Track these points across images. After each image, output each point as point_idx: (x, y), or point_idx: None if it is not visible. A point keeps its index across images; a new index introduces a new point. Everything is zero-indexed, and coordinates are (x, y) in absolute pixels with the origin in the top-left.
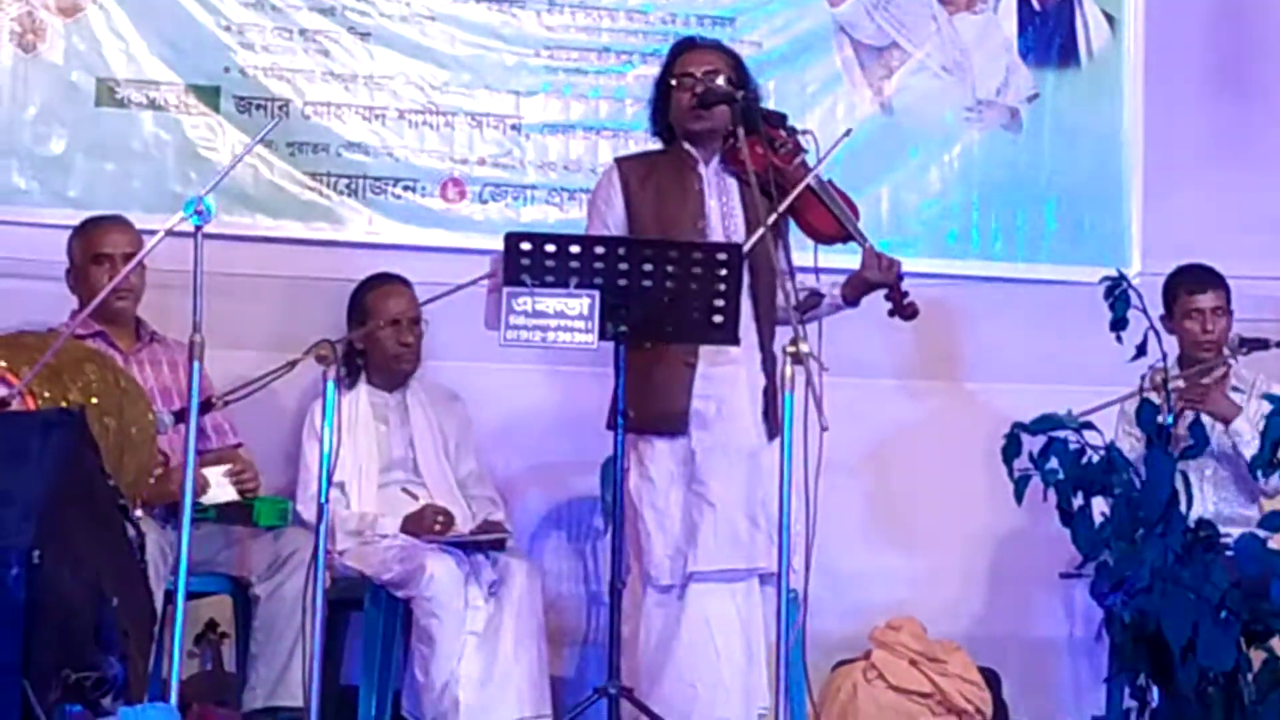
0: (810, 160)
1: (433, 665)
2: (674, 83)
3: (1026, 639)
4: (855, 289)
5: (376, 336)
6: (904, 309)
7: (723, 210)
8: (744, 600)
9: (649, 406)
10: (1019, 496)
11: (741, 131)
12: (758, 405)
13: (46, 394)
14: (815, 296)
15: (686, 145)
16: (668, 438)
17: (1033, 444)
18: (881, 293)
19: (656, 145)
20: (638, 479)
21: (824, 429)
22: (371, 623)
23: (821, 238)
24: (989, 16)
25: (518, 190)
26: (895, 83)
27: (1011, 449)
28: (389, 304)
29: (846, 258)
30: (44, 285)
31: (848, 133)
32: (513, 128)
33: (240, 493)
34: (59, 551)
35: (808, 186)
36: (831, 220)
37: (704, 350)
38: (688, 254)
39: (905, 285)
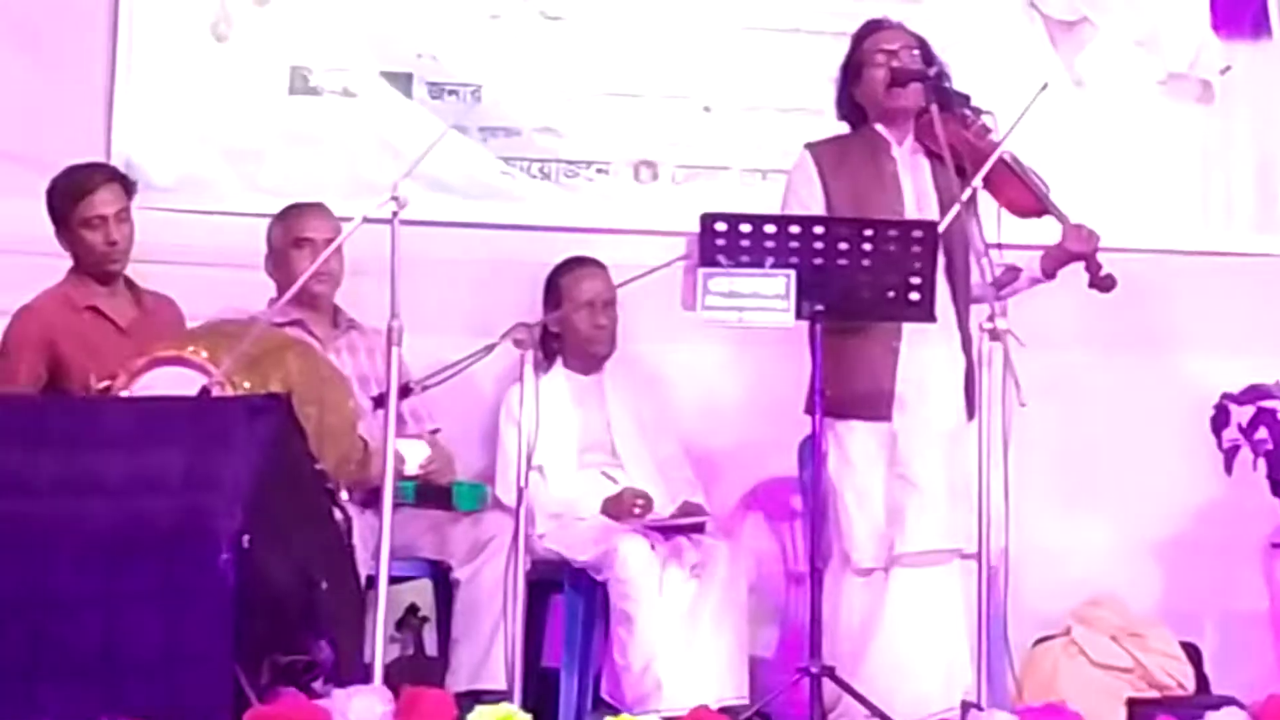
0: (998, 135)
1: (631, 647)
2: (865, 62)
3: (1228, 612)
4: (1055, 261)
5: (571, 319)
6: (1102, 281)
7: (917, 191)
8: (946, 580)
9: (850, 389)
10: (1229, 467)
11: (935, 108)
12: (958, 385)
13: (247, 383)
14: (1012, 272)
15: (878, 126)
16: (870, 420)
17: (1240, 415)
18: (1078, 266)
19: (844, 128)
20: (838, 461)
21: (1022, 405)
22: (571, 605)
23: (1020, 212)
24: None
25: (710, 171)
26: (1086, 57)
27: (1220, 420)
28: (583, 286)
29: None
30: (240, 274)
31: (1044, 86)
32: (704, 108)
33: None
34: (268, 536)
35: (1002, 162)
36: (1029, 195)
37: (905, 332)
38: (883, 232)
39: (1101, 258)
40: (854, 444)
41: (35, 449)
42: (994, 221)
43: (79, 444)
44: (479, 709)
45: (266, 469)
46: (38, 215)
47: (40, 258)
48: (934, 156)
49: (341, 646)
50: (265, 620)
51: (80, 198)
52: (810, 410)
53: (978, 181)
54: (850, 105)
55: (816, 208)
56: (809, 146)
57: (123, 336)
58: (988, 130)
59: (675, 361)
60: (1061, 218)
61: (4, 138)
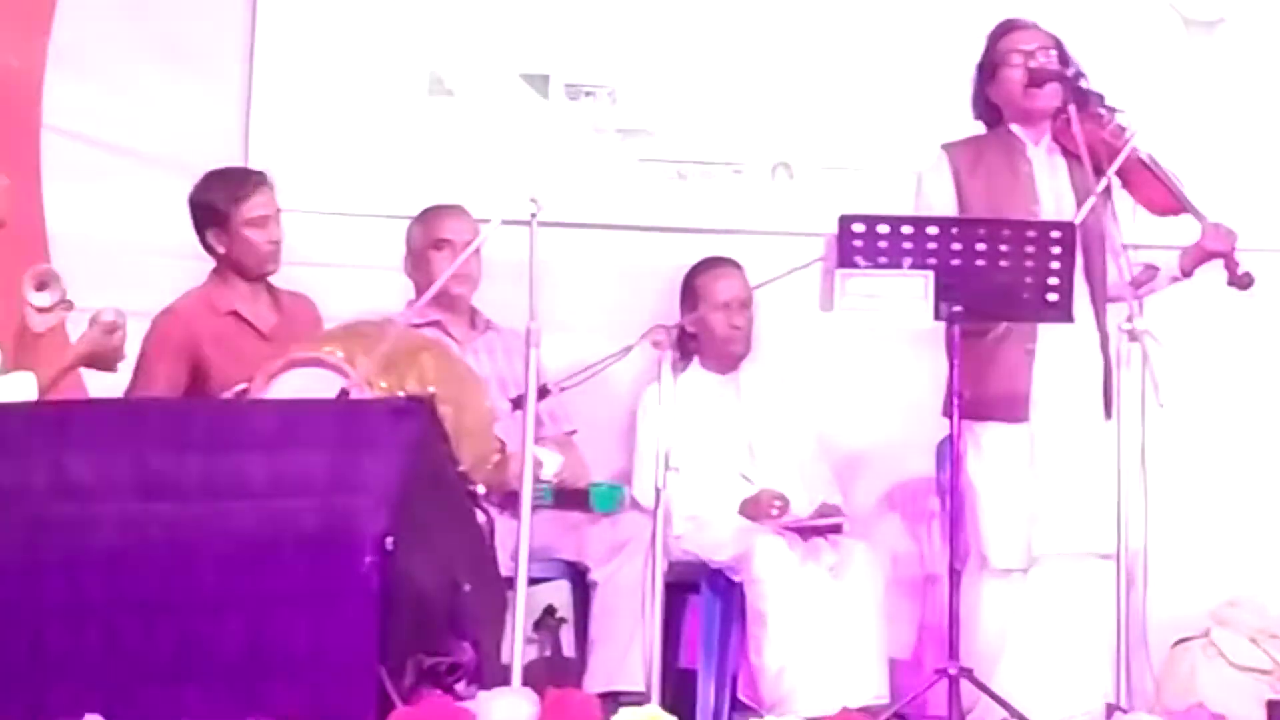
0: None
1: (768, 648)
2: (1001, 62)
3: None
4: (1193, 260)
5: (708, 320)
6: (1240, 279)
7: (1054, 191)
8: (1084, 582)
9: (988, 392)
10: None
11: (1073, 108)
12: (1095, 385)
13: (384, 384)
14: (1150, 271)
15: (1014, 127)
16: (1007, 422)
17: None
18: (1217, 264)
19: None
20: (976, 463)
21: (1161, 405)
22: (709, 606)
23: (1158, 210)
24: None
25: (848, 171)
26: (1223, 57)
27: None
28: (719, 287)
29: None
30: (378, 276)
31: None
32: (842, 108)
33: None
34: (411, 538)
35: (1139, 160)
36: (1166, 193)
37: (1042, 334)
38: (1021, 232)
39: (1246, 256)
40: (992, 445)
41: (180, 452)
42: (1131, 220)
43: (223, 447)
44: (623, 710)
45: (410, 471)
46: (177, 219)
47: (179, 261)
48: (1071, 157)
49: (485, 648)
50: (409, 622)
51: (244, 198)
52: (948, 412)
53: (1111, 173)
54: (986, 105)
55: (948, 210)
56: (945, 148)
57: (263, 341)
58: (1123, 130)
59: (812, 362)
60: (1199, 216)
61: (144, 143)
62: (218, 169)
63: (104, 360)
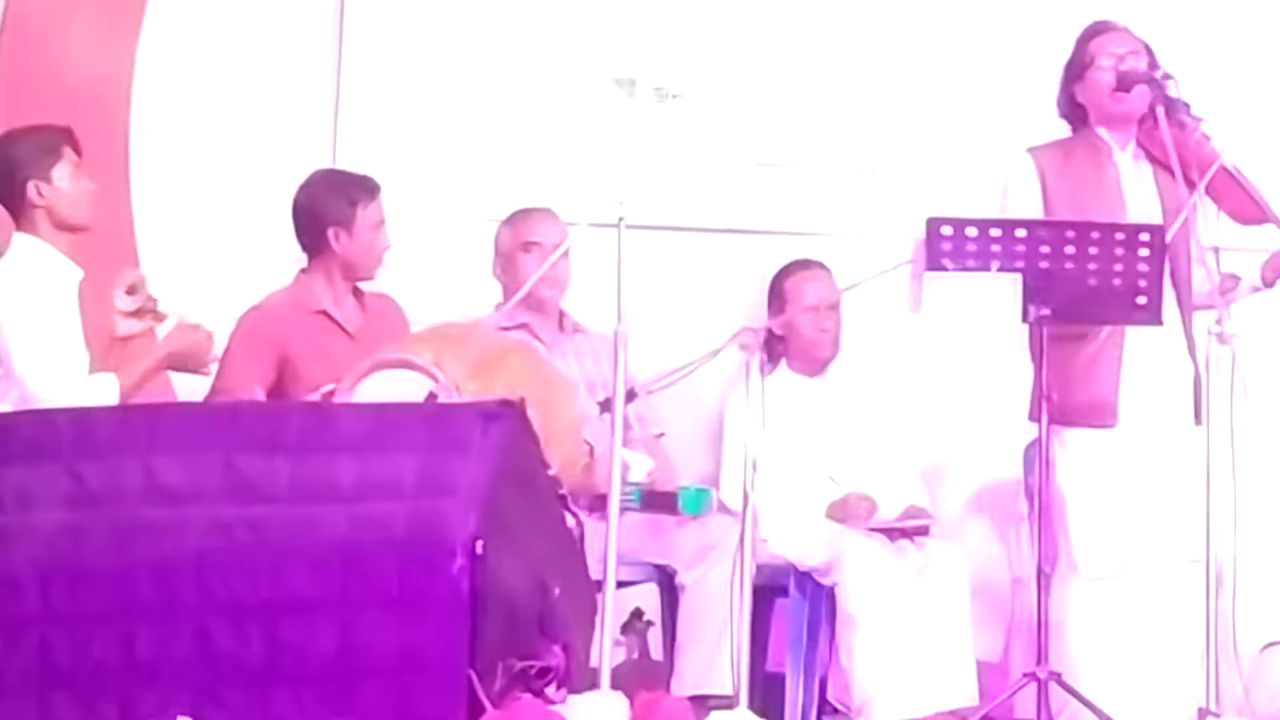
0: (1215, 141)
1: (857, 651)
2: (1090, 64)
3: None
4: (1275, 270)
5: (796, 323)
6: None
7: (1140, 196)
8: (1174, 587)
9: (1076, 397)
10: None
11: (1162, 113)
12: (1184, 390)
13: (472, 386)
14: (1232, 279)
15: (1100, 130)
16: (1096, 427)
17: None
18: None
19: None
20: (1064, 468)
21: (1250, 410)
22: (797, 609)
23: (1241, 219)
24: None
25: (935, 174)
26: None
27: None
28: (807, 289)
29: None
30: (465, 278)
31: None
32: (929, 111)
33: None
34: (502, 542)
35: (1225, 170)
36: (1251, 203)
37: (1129, 339)
38: (1110, 234)
39: None
40: (1080, 451)
41: (270, 455)
42: (1215, 227)
43: (313, 449)
44: (712, 714)
45: (500, 474)
46: (264, 223)
47: (266, 264)
48: (1156, 163)
49: (575, 652)
50: (499, 625)
51: (369, 201)
52: (1035, 416)
53: (1204, 181)
54: (1072, 105)
55: (1034, 214)
56: (1030, 151)
57: (351, 342)
58: (1208, 138)
59: (899, 364)
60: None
61: (232, 148)
62: (330, 170)
63: (191, 360)
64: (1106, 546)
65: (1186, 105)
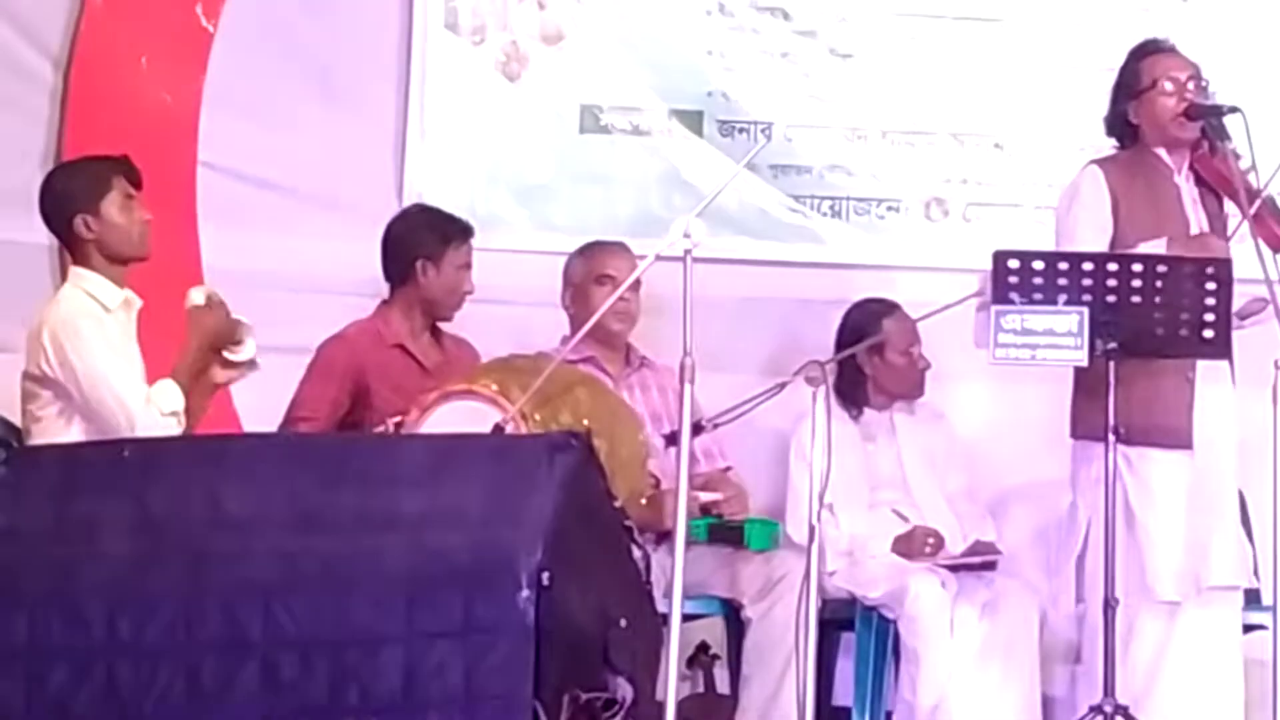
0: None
1: (921, 686)
2: (1152, 87)
3: None
4: None
5: (891, 361)
6: None
7: (1198, 221)
8: (1233, 615)
9: (1149, 420)
10: None
11: (1222, 144)
12: (1233, 414)
13: (538, 416)
14: (1259, 302)
15: (1160, 151)
16: (1171, 450)
17: None
18: None
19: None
20: (1138, 492)
21: None
22: (862, 643)
23: (1275, 246)
24: None
25: (1002, 208)
26: None
27: None
28: (904, 330)
29: None
30: (532, 311)
31: None
32: (996, 145)
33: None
34: (567, 573)
35: (1267, 198)
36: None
37: (1200, 365)
38: (1177, 268)
39: None
40: (1153, 473)
41: (334, 487)
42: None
43: (377, 481)
44: None
45: (567, 506)
46: (334, 256)
47: (332, 297)
48: (1203, 185)
49: (640, 684)
50: (565, 657)
51: (462, 242)
52: (1078, 434)
53: (1253, 209)
54: (1124, 124)
55: (1106, 224)
56: (1097, 163)
57: (426, 376)
58: (1238, 158)
59: (965, 398)
60: None
61: (300, 180)
62: (428, 206)
63: (222, 338)
64: (1183, 572)
65: (1227, 132)
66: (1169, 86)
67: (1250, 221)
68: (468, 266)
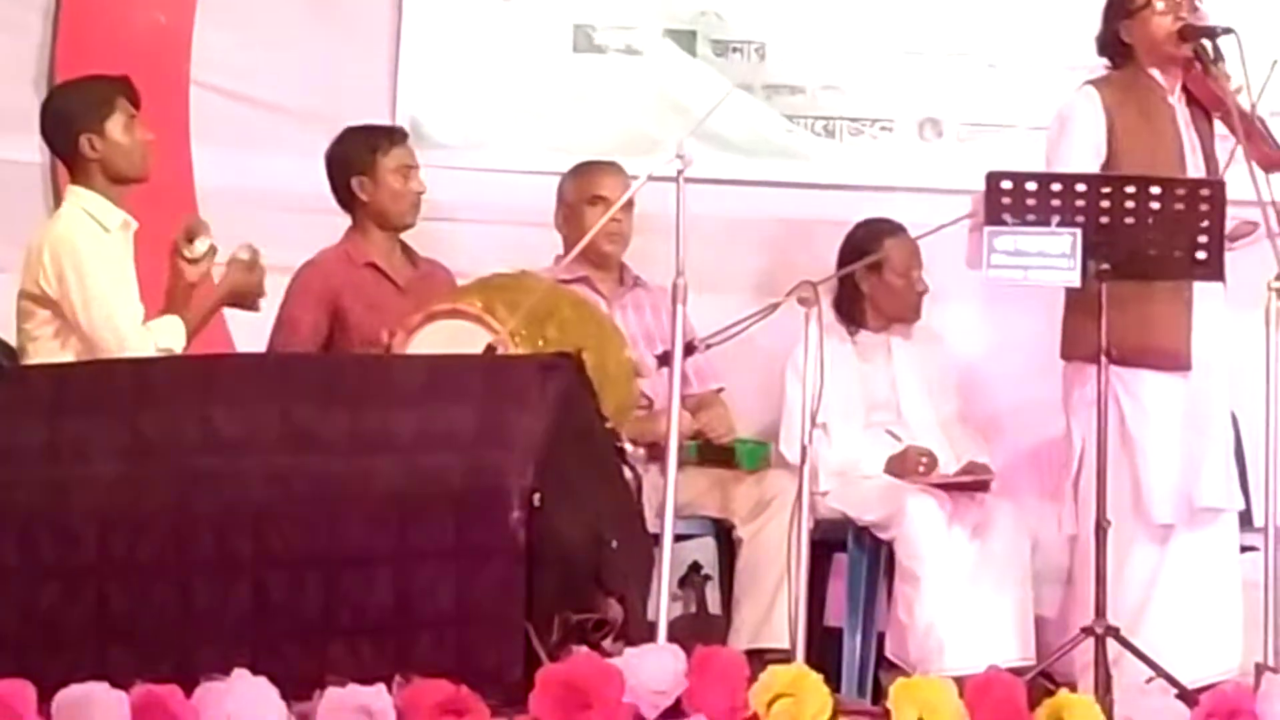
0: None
1: (916, 606)
2: (1145, 6)
3: None
4: None
5: (890, 283)
6: None
7: (1191, 140)
8: (1227, 538)
9: (1146, 342)
10: None
11: (1216, 64)
12: (1226, 337)
13: (523, 331)
14: (1249, 225)
15: (1153, 72)
16: (1169, 373)
17: None
18: None
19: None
20: (1134, 414)
21: None
22: (855, 564)
23: (1266, 166)
24: None
25: (996, 129)
26: None
27: None
28: (905, 252)
29: None
30: (524, 231)
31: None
32: (989, 65)
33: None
34: (559, 494)
35: (1258, 118)
36: (1275, 151)
37: (1196, 287)
38: (1171, 190)
39: None
40: (1149, 395)
41: (327, 407)
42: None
43: (370, 401)
44: (771, 669)
45: (557, 427)
46: (318, 171)
47: (323, 216)
48: (1196, 106)
49: (630, 605)
50: (556, 578)
51: (388, 149)
52: (1069, 355)
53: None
54: (1117, 43)
55: (1100, 145)
56: (1093, 84)
57: (400, 294)
58: (1229, 79)
59: (957, 320)
60: None
61: (294, 99)
62: (356, 124)
63: (247, 298)
64: (1176, 494)
65: (1220, 53)
66: (1162, 5)
67: (1243, 142)
68: (406, 169)
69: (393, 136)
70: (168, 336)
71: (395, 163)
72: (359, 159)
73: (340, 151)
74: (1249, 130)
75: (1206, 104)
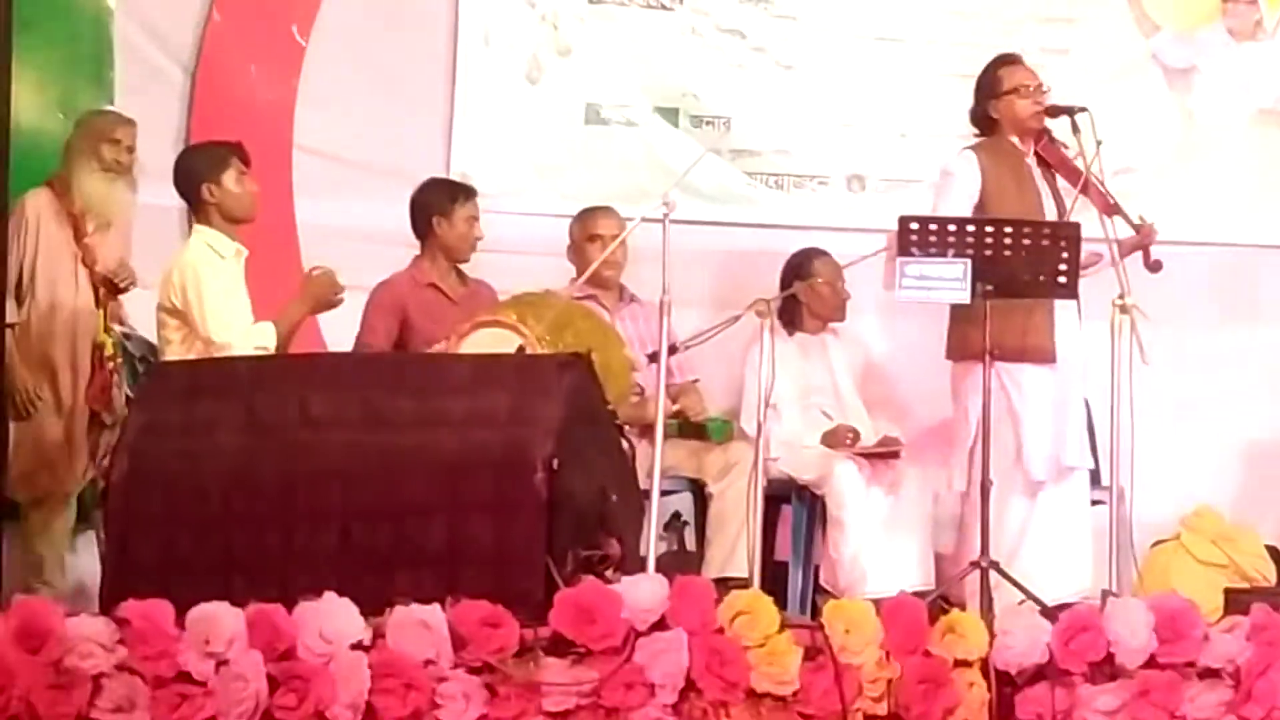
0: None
1: (843, 545)
2: (1013, 90)
3: None
4: (1127, 249)
5: (818, 291)
6: (1153, 265)
7: (1043, 193)
8: (1081, 491)
9: (1026, 342)
10: None
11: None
12: (1084, 341)
13: (548, 337)
14: (1095, 256)
15: (1013, 139)
16: (1041, 364)
17: None
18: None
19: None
20: (1018, 397)
21: (1145, 364)
22: (798, 513)
23: (1106, 211)
24: (1268, 42)
25: (906, 183)
26: (1195, 96)
27: None
28: (829, 268)
29: None
30: (546, 260)
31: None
32: (901, 134)
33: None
34: (572, 460)
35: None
36: (1106, 201)
37: (1057, 303)
38: (1038, 230)
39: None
40: (1028, 382)
41: (395, 393)
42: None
43: (429, 389)
44: (734, 593)
45: (572, 409)
46: (396, 216)
47: (392, 247)
48: (1044, 165)
49: (627, 545)
50: (570, 524)
51: (467, 200)
52: (954, 356)
53: (1079, 186)
54: (986, 118)
55: (974, 195)
56: (971, 149)
57: (454, 306)
58: (1065, 146)
59: (874, 327)
60: (1128, 218)
61: (370, 157)
62: (439, 177)
63: (325, 305)
64: (1050, 458)
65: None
66: (1026, 90)
67: (1081, 193)
68: (474, 218)
69: (468, 192)
70: (261, 337)
71: (467, 213)
72: (440, 204)
73: (425, 196)
74: (1087, 185)
75: (1052, 164)
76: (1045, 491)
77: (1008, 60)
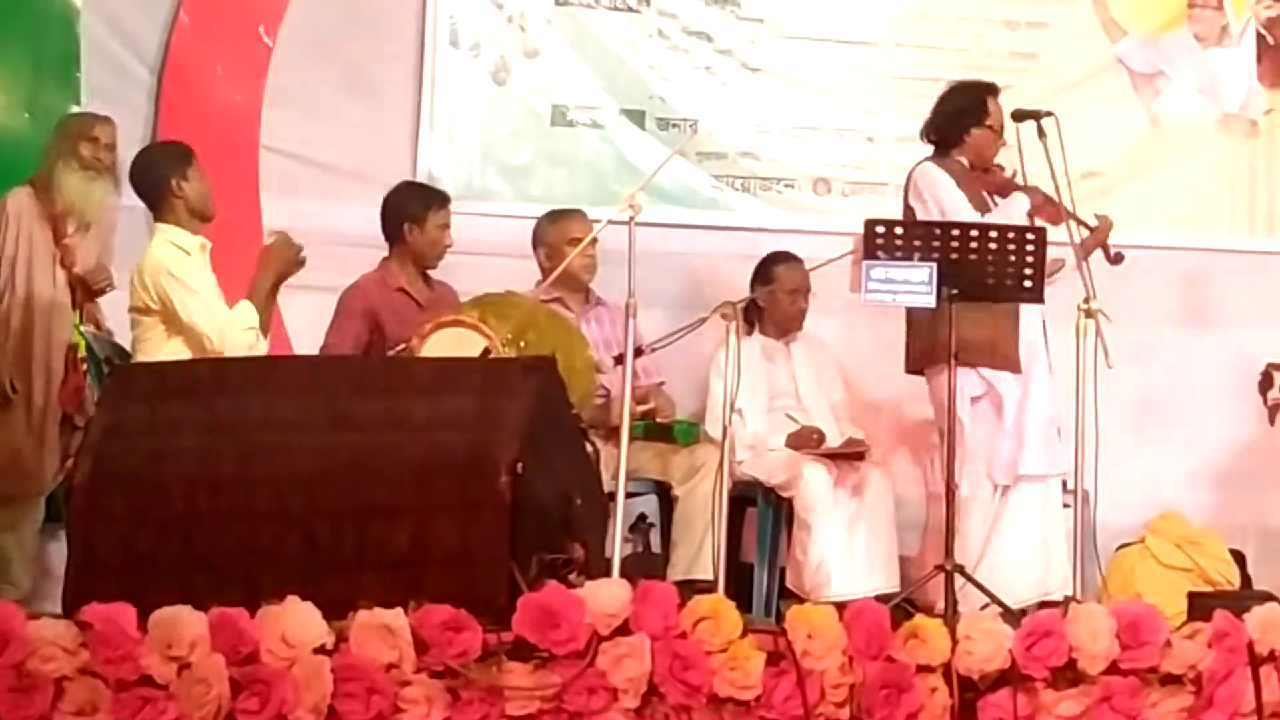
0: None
1: (810, 547)
2: (986, 123)
3: (1266, 526)
4: (1088, 248)
5: (778, 299)
6: (1114, 258)
7: (990, 207)
8: (1048, 496)
9: (994, 348)
10: (1272, 419)
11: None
12: (1049, 346)
13: (509, 335)
14: (1057, 263)
15: (961, 158)
16: (1008, 371)
17: None
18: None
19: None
20: (987, 403)
21: (1109, 367)
22: (763, 516)
23: (1048, 221)
24: (1234, 49)
25: (872, 186)
26: (1161, 101)
27: (1265, 383)
28: (793, 276)
29: None
30: (511, 262)
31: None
32: (868, 139)
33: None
34: (536, 463)
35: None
36: (1056, 211)
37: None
38: (1004, 234)
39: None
40: (999, 388)
41: (362, 395)
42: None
43: (394, 391)
44: (696, 598)
45: (536, 413)
46: (362, 217)
47: (357, 249)
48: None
49: (590, 548)
50: (534, 527)
51: (441, 207)
52: (912, 367)
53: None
54: (959, 140)
55: (959, 195)
56: (934, 160)
57: (420, 310)
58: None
59: (840, 330)
60: (1082, 221)
61: (337, 159)
62: (415, 181)
63: (290, 273)
64: (1010, 466)
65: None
66: (998, 129)
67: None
68: (446, 226)
69: (442, 199)
70: (245, 318)
71: (440, 220)
72: (413, 210)
73: (398, 200)
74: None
75: (998, 191)
76: (1011, 496)
77: (993, 91)
